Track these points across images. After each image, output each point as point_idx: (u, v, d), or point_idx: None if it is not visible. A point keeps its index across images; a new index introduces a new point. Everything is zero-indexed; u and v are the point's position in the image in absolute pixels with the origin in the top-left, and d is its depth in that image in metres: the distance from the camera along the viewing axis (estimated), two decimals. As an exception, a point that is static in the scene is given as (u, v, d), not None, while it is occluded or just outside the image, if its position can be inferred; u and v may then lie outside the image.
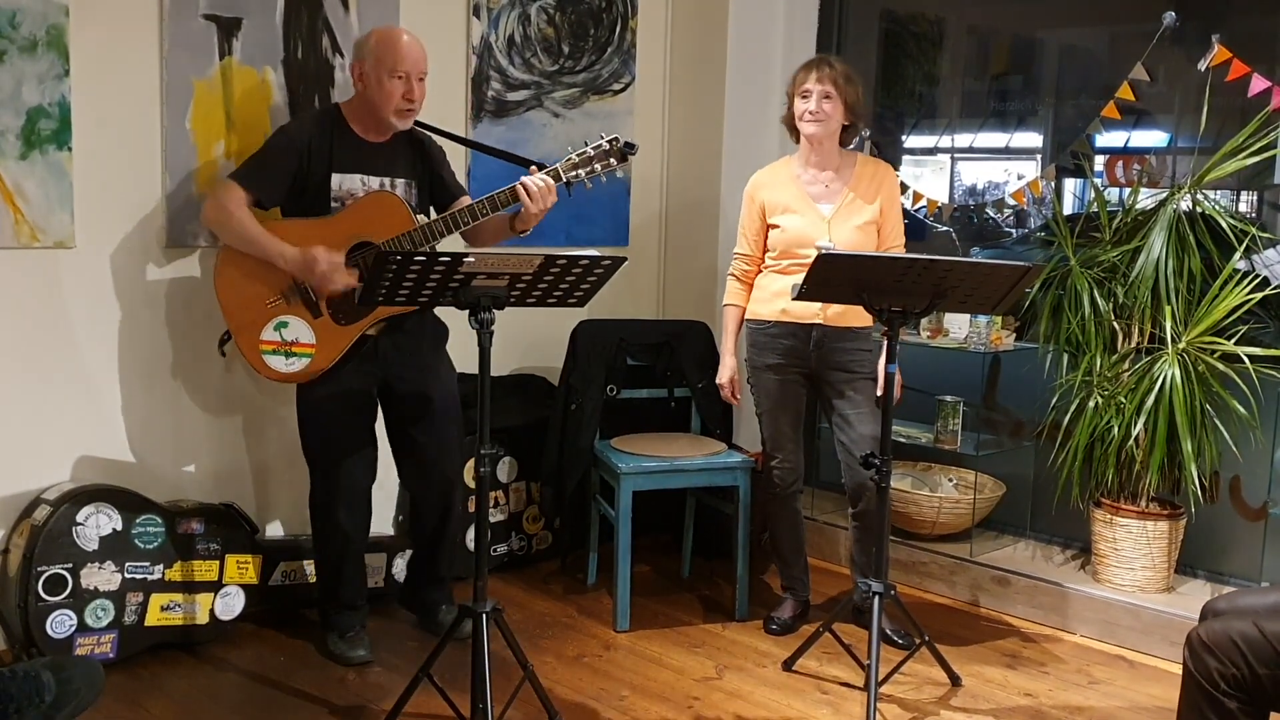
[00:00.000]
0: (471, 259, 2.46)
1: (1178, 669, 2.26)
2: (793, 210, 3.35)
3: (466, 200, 3.12)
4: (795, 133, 3.39)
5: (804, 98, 3.28)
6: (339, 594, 3.23)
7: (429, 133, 3.27)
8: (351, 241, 3.00)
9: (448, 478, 3.28)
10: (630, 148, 3.03)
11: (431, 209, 3.24)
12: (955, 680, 3.15)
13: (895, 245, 3.41)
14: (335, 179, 3.05)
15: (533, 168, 3.04)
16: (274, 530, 3.60)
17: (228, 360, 3.41)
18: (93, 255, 3.14)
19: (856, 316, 3.18)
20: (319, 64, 3.49)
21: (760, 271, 3.45)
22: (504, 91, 3.97)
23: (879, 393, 3.24)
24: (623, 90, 4.30)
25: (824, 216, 3.32)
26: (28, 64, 2.96)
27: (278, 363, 3.03)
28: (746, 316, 3.46)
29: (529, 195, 2.98)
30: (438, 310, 3.23)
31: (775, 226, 3.37)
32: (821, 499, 4.31)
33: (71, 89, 3.03)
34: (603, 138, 3.06)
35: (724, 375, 3.51)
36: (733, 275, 3.50)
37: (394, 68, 2.99)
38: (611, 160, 3.04)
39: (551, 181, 3.02)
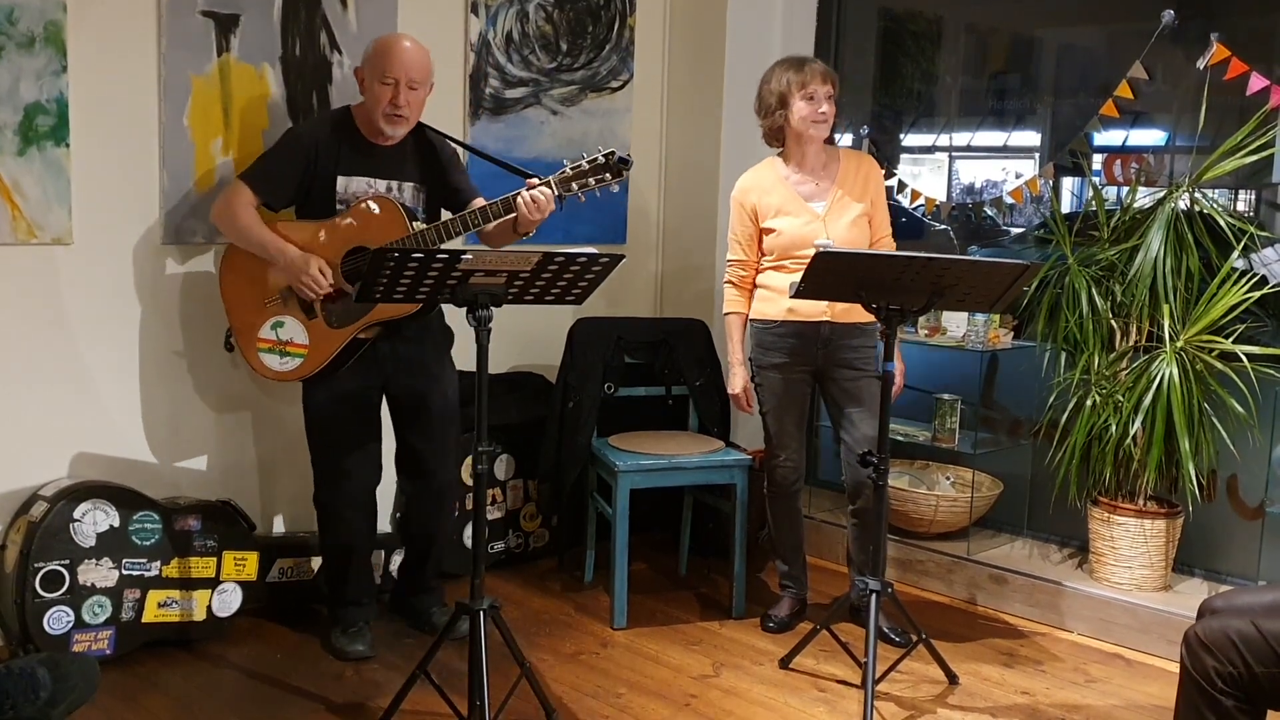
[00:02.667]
0: (469, 256, 2.46)
1: (1175, 667, 2.26)
2: (786, 212, 3.33)
3: (480, 203, 3.12)
4: (779, 136, 3.37)
5: (810, 100, 3.24)
6: (344, 591, 3.25)
7: (440, 136, 3.26)
8: (348, 246, 3.01)
9: (442, 484, 3.29)
10: (625, 162, 2.98)
11: (444, 212, 3.23)
12: (952, 678, 3.15)
13: (884, 236, 3.41)
14: (341, 181, 3.06)
15: (531, 179, 3.02)
16: (272, 527, 3.59)
17: (225, 357, 3.40)
18: (90, 252, 3.14)
19: (863, 313, 3.15)
20: (317, 61, 3.48)
21: (757, 274, 3.43)
22: (502, 89, 3.97)
23: (893, 385, 3.23)
24: (621, 88, 4.29)
25: (818, 215, 3.32)
26: (25, 60, 2.95)
27: (272, 361, 3.07)
28: (752, 316, 3.44)
29: (526, 208, 2.98)
30: (445, 315, 3.25)
31: (770, 231, 3.36)
32: (819, 497, 4.31)
33: (69, 85, 3.03)
34: (599, 151, 3.00)
35: (736, 386, 3.48)
36: (730, 283, 3.47)
37: (384, 73, 3.00)
38: (606, 175, 2.98)
39: (550, 195, 2.99)
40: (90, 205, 3.12)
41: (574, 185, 3.00)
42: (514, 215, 3.01)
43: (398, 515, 3.80)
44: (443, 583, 3.47)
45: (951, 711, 3.00)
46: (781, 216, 3.34)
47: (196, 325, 3.36)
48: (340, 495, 3.18)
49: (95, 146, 3.11)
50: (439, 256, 2.45)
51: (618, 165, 2.97)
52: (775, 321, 3.36)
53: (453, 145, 3.27)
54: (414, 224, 3.00)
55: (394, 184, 3.12)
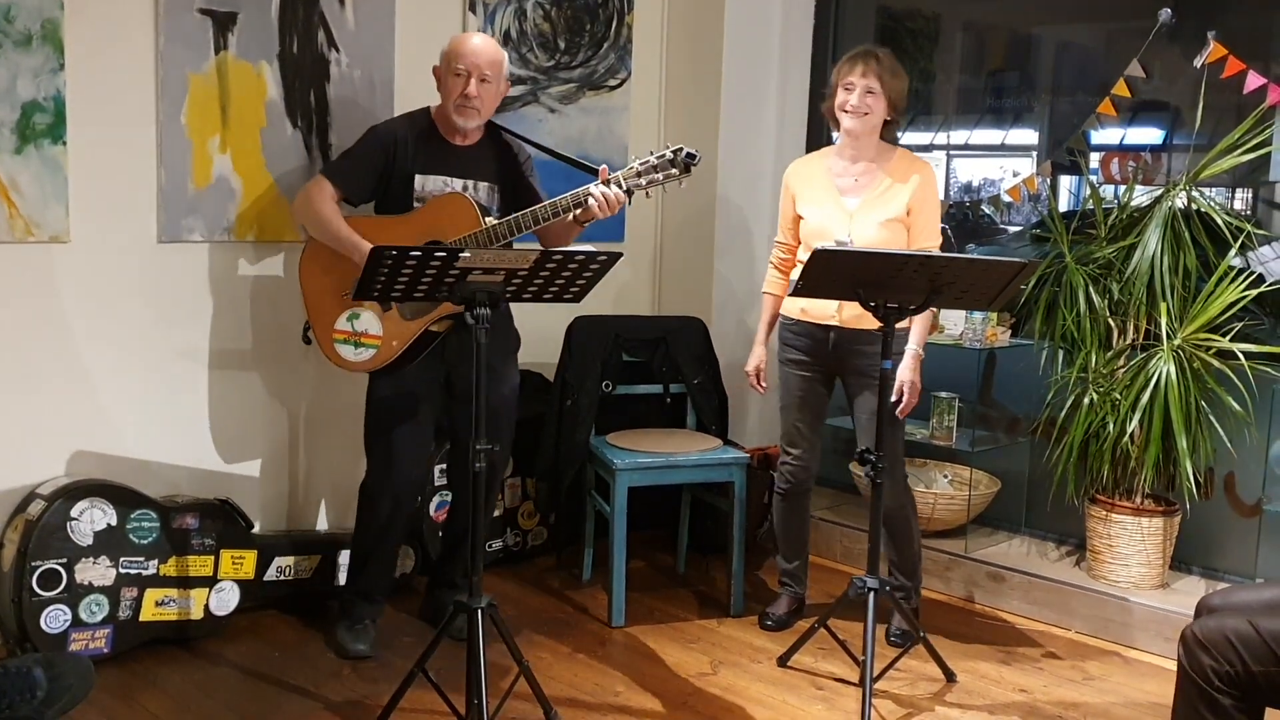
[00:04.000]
0: (467, 254, 2.46)
1: (1172, 665, 2.27)
2: (818, 202, 3.31)
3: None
4: (836, 123, 3.33)
5: (847, 90, 3.20)
6: (359, 582, 3.26)
7: (514, 138, 3.29)
8: (423, 240, 3.03)
9: (490, 480, 3.26)
10: (692, 158, 2.95)
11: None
12: (950, 676, 3.16)
13: (928, 247, 3.28)
14: (419, 179, 3.11)
15: (603, 169, 3.03)
16: (270, 525, 3.59)
17: (223, 355, 3.41)
18: (88, 250, 3.13)
19: (874, 319, 3.09)
20: (314, 59, 3.48)
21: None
22: (500, 87, 3.96)
23: (893, 398, 3.20)
24: (619, 86, 4.29)
25: (848, 210, 3.27)
26: (22, 58, 2.95)
27: (347, 352, 3.11)
28: (780, 310, 3.44)
29: (598, 205, 2.98)
30: (514, 319, 3.31)
31: (801, 217, 3.35)
32: (818, 495, 4.27)
33: (66, 83, 3.02)
34: (667, 147, 2.99)
35: (750, 363, 3.50)
36: (771, 263, 3.47)
37: (455, 65, 3.06)
38: (674, 171, 2.97)
39: (622, 193, 2.99)
40: (87, 203, 3.11)
41: (643, 181, 3.00)
42: (579, 209, 3.02)
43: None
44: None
45: (949, 709, 3.00)
46: (812, 205, 3.31)
47: (194, 323, 3.36)
48: (384, 483, 3.20)
49: (93, 144, 3.10)
50: (437, 254, 2.46)
51: (685, 162, 2.96)
52: (792, 320, 3.37)
53: (527, 149, 3.30)
54: (486, 219, 3.03)
55: (469, 183, 3.16)
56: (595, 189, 2.99)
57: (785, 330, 3.40)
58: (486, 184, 3.19)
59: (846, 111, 3.21)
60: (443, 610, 3.38)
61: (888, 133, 3.31)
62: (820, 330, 3.30)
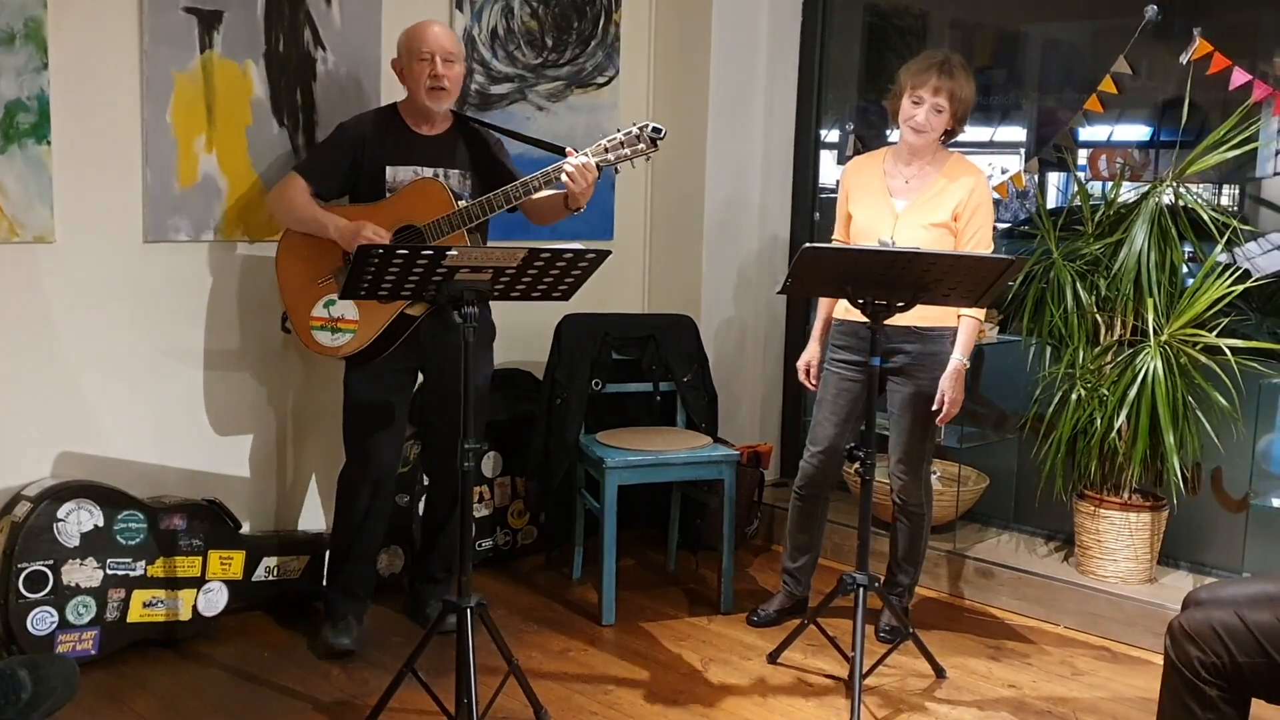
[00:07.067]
0: (455, 253, 2.46)
1: (1160, 660, 2.27)
2: (868, 202, 3.29)
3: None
4: (896, 120, 3.28)
5: (915, 103, 3.13)
6: (339, 578, 3.26)
7: (480, 124, 3.33)
8: (396, 225, 3.08)
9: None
10: (658, 132, 3.01)
11: None
12: (939, 672, 3.16)
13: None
14: (389, 171, 3.16)
15: (569, 150, 3.07)
16: (257, 525, 3.58)
17: (211, 355, 3.40)
18: (72, 250, 3.12)
19: (917, 316, 3.02)
20: (301, 57, 3.47)
21: None
22: (487, 84, 3.95)
23: (934, 407, 3.17)
24: (607, 84, 4.28)
25: (895, 212, 3.24)
26: (5, 57, 2.93)
27: (324, 338, 3.14)
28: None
29: (570, 178, 3.01)
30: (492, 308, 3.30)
31: (851, 216, 3.34)
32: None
33: (50, 82, 3.01)
34: (633, 124, 3.05)
35: (801, 359, 3.49)
36: None
37: (418, 51, 3.10)
38: (641, 146, 3.02)
39: (591, 161, 3.02)
40: (72, 203, 3.10)
41: (611, 157, 3.03)
42: (563, 191, 3.07)
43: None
44: (450, 576, 3.41)
45: (939, 705, 3.00)
46: (862, 204, 3.30)
47: (179, 323, 3.35)
48: (363, 472, 3.22)
49: (77, 144, 3.08)
50: (424, 253, 2.45)
51: (651, 136, 3.01)
52: (839, 320, 3.35)
53: (495, 133, 3.34)
54: (459, 203, 3.07)
55: (440, 171, 3.19)
56: (567, 163, 3.01)
57: (834, 331, 3.38)
58: (458, 171, 3.23)
59: (910, 126, 3.16)
60: (420, 603, 3.41)
61: (946, 137, 3.24)
62: (863, 328, 3.19)
